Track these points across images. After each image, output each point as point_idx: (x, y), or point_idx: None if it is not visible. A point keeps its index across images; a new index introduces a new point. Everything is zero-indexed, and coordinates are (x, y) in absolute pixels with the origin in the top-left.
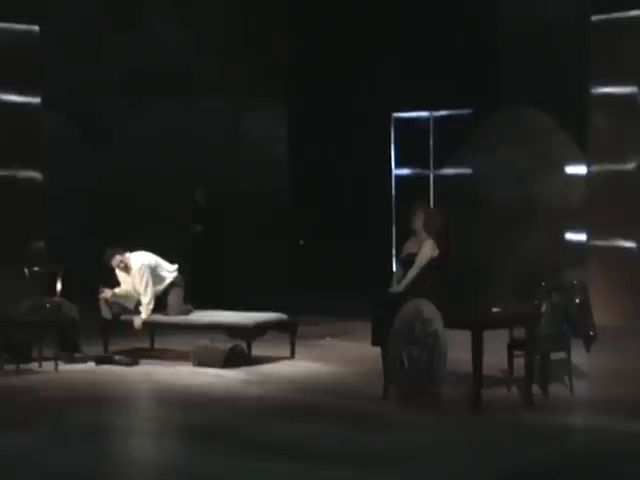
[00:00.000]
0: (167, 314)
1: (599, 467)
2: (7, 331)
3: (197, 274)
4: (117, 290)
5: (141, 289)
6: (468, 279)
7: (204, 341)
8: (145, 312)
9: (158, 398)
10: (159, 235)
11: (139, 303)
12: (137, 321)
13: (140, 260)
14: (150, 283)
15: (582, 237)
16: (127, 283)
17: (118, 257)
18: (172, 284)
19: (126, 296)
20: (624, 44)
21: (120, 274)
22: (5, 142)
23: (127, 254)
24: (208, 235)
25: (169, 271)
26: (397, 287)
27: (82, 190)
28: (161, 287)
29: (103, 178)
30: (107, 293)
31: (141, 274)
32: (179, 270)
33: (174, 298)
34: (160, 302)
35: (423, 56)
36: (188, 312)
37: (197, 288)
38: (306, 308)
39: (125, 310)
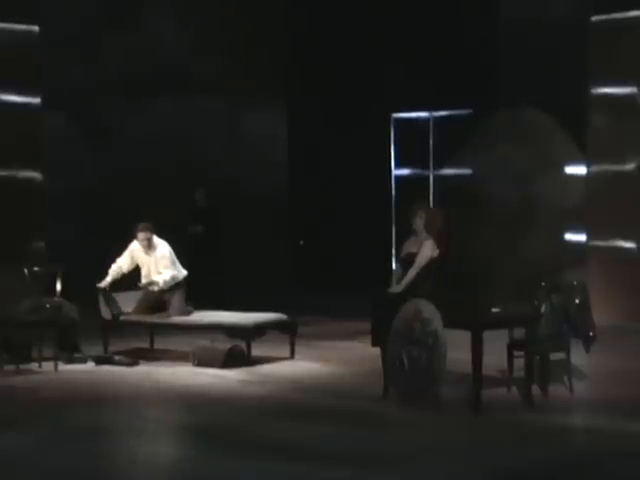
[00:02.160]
0: (168, 315)
1: (598, 467)
2: (7, 331)
3: (195, 274)
4: (156, 278)
5: (162, 269)
6: (468, 279)
7: (204, 341)
8: (163, 280)
9: (158, 398)
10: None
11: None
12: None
13: (168, 247)
14: (172, 265)
15: (582, 237)
16: (139, 257)
17: (148, 233)
18: (177, 285)
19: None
20: (624, 44)
21: (137, 249)
22: (5, 142)
23: (155, 237)
24: (207, 235)
25: (180, 272)
26: (397, 287)
27: (82, 190)
28: (173, 281)
29: (103, 178)
30: (148, 280)
31: (167, 258)
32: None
33: (177, 300)
34: (162, 301)
35: (423, 56)
36: (189, 313)
37: (195, 288)
38: (306, 308)
39: (125, 309)
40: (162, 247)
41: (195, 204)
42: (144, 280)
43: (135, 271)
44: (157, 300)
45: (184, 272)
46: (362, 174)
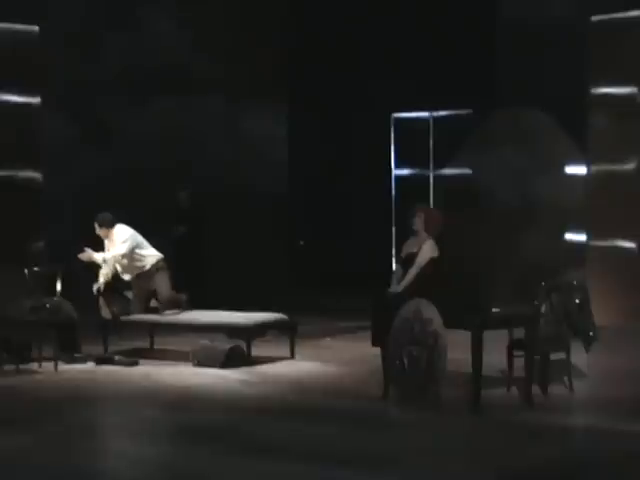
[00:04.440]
0: (160, 302)
1: (599, 467)
2: (7, 331)
3: (178, 274)
4: (96, 255)
5: (118, 246)
6: (468, 279)
7: (204, 341)
8: (108, 265)
9: (158, 398)
10: (158, 234)
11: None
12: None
13: (126, 229)
14: (129, 245)
15: (582, 237)
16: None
17: (102, 229)
18: (157, 268)
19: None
20: (624, 44)
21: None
22: (5, 142)
23: (117, 226)
24: (190, 236)
25: (151, 254)
26: (397, 287)
27: (82, 190)
28: (142, 265)
29: (103, 178)
30: (87, 253)
31: (124, 238)
32: (164, 259)
33: (162, 284)
34: (149, 290)
35: (423, 56)
36: (182, 301)
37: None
38: (306, 308)
39: (125, 309)
40: (119, 234)
41: (178, 205)
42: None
43: None
44: (148, 291)
45: (155, 253)
46: (362, 174)
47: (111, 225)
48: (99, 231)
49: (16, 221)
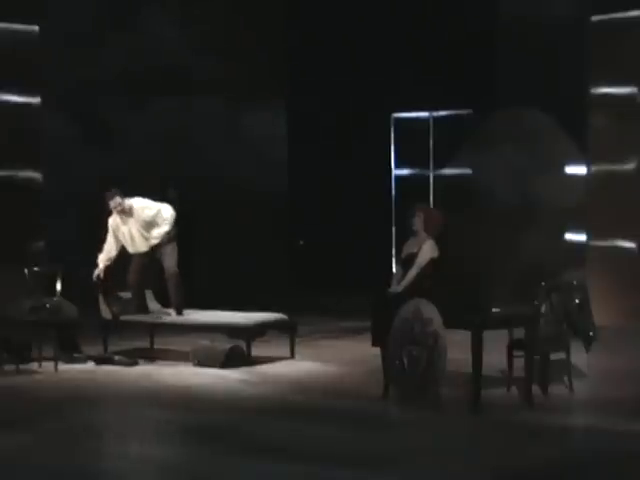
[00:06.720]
0: (167, 271)
1: (599, 467)
2: (7, 331)
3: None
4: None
5: (162, 226)
6: (468, 279)
7: (204, 341)
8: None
9: (158, 398)
10: None
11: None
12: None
13: (144, 202)
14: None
15: (582, 237)
16: (119, 230)
17: (118, 199)
18: (168, 239)
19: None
20: (624, 44)
21: (115, 219)
22: (5, 142)
23: (127, 200)
24: (179, 237)
25: (165, 218)
26: (397, 287)
27: (82, 190)
28: (156, 236)
29: (103, 178)
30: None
31: (159, 214)
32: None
33: (169, 256)
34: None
35: (423, 56)
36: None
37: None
38: (306, 308)
39: (125, 309)
40: (137, 205)
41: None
42: (131, 249)
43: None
44: (146, 264)
45: (168, 215)
46: (362, 174)
47: (124, 196)
48: (116, 202)
49: (16, 221)
